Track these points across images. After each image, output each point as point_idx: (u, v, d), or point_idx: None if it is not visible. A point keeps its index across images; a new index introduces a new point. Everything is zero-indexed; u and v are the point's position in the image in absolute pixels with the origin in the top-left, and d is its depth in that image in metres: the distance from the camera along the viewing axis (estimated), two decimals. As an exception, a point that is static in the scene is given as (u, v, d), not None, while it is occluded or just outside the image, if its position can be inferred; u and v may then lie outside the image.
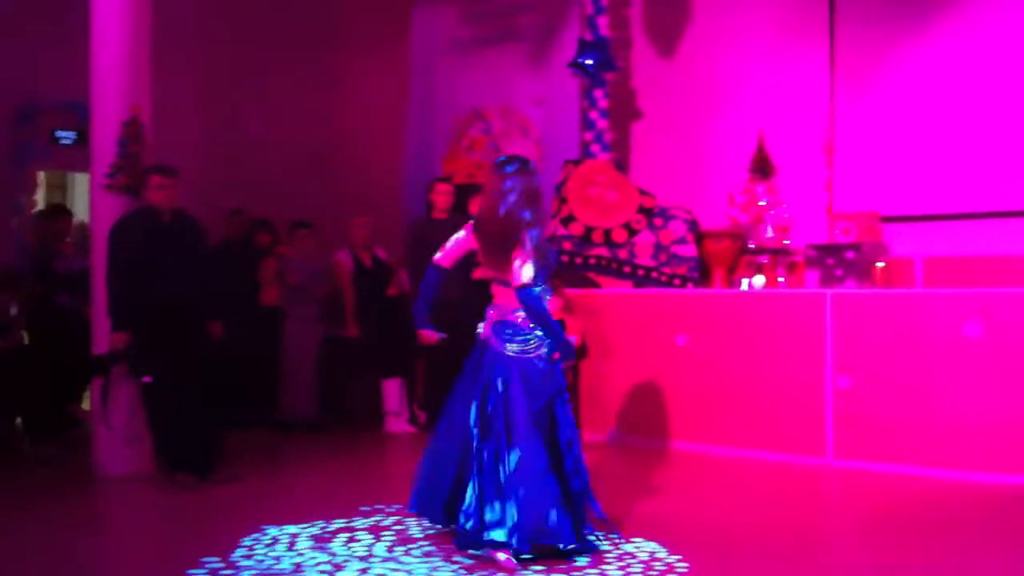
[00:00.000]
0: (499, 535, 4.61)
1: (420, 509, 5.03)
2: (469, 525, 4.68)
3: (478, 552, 4.69)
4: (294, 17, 10.20)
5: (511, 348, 4.84)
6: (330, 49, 10.47)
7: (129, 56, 6.69)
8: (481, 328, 5.01)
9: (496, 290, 5.01)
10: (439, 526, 5.06)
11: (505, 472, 4.68)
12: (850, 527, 5.65)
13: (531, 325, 4.84)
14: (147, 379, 6.28)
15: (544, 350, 4.88)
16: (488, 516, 4.65)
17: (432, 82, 11.06)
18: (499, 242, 4.83)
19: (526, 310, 4.75)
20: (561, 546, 4.68)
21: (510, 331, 4.86)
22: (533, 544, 4.63)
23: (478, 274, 7.81)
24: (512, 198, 4.79)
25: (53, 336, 7.92)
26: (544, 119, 10.15)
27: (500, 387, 4.79)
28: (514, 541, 4.59)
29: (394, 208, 10.67)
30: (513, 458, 4.69)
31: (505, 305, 4.92)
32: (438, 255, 5.07)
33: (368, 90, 10.80)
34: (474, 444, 4.78)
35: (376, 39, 10.94)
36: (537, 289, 4.74)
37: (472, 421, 4.81)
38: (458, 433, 4.87)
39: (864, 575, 4.62)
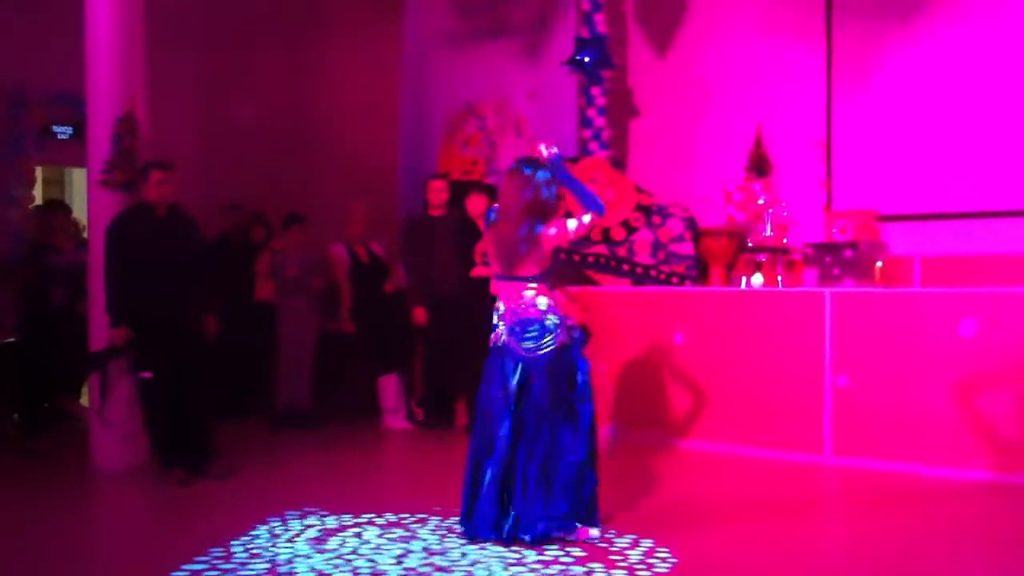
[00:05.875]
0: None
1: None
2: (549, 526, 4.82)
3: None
4: (287, 8, 10.16)
5: (543, 347, 4.88)
6: (323, 41, 10.43)
7: (123, 50, 6.63)
8: (495, 333, 5.02)
9: (504, 288, 5.02)
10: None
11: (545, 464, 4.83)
12: (842, 523, 5.66)
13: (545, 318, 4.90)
14: (147, 375, 6.25)
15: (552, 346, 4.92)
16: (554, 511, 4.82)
17: (425, 75, 11.02)
18: (511, 248, 4.93)
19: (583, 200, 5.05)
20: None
21: (532, 330, 4.89)
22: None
23: (477, 272, 7.85)
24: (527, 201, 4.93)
25: (47, 331, 7.86)
26: (538, 115, 10.11)
27: (533, 389, 4.88)
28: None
29: (389, 203, 10.63)
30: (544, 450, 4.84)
31: (516, 304, 4.95)
32: None
33: (361, 83, 10.75)
34: (508, 448, 4.86)
35: (369, 31, 10.90)
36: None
37: (506, 430, 4.87)
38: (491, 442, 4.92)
39: (853, 569, 4.64)
